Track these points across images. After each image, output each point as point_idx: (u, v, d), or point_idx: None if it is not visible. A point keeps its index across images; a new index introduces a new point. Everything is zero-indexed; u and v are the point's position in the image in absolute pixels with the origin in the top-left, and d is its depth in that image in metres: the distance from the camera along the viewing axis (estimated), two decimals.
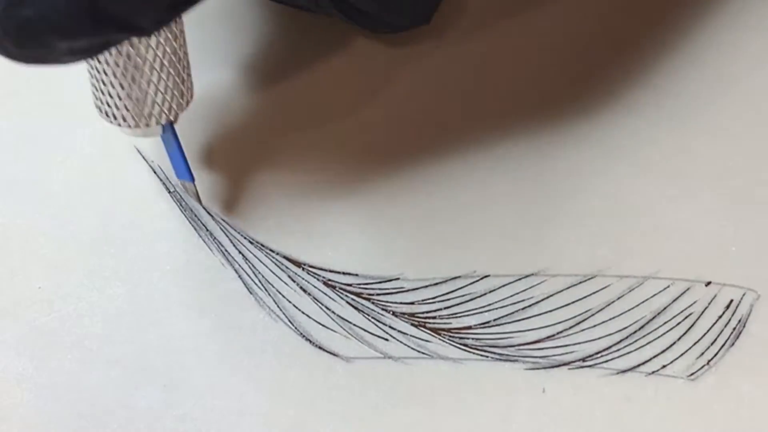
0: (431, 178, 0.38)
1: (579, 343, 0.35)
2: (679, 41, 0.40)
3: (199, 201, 0.38)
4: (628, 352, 0.34)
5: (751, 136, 0.38)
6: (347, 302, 0.36)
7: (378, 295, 0.36)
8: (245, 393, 0.35)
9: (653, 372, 0.34)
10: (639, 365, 0.34)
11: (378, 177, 0.39)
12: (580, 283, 0.36)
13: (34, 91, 0.42)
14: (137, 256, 0.38)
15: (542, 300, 0.35)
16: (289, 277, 0.37)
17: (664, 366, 0.34)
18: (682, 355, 0.34)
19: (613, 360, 0.34)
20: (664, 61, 0.39)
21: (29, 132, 0.41)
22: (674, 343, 0.34)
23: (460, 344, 0.35)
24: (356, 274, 0.37)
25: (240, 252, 0.37)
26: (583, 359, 0.34)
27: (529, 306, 0.35)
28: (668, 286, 0.35)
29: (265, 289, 0.37)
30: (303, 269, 0.37)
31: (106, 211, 0.39)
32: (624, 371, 0.34)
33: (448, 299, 0.36)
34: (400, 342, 0.35)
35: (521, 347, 0.35)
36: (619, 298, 0.35)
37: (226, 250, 0.37)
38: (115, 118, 0.33)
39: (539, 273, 0.36)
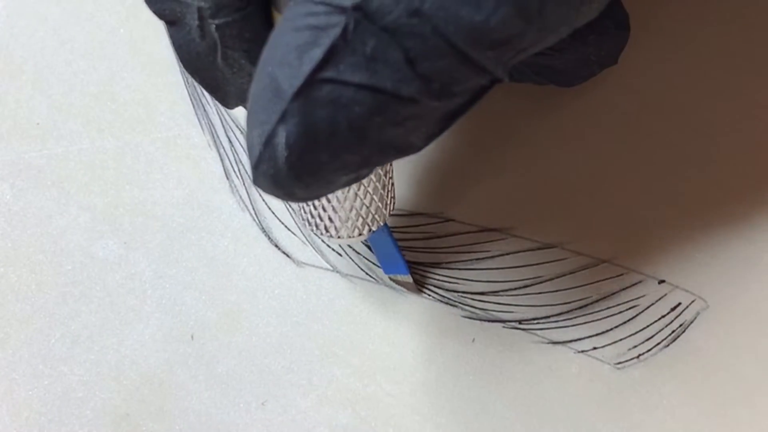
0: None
1: (520, 306, 0.35)
2: (691, 32, 0.39)
3: (418, 292, 0.36)
4: (564, 327, 0.35)
5: (749, 151, 0.37)
6: None
7: None
8: (196, 268, 0.36)
9: (582, 351, 0.34)
10: (571, 341, 0.35)
11: None
12: (538, 249, 0.36)
13: None
14: (135, 118, 0.39)
15: (497, 256, 0.36)
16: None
17: (595, 348, 0.34)
18: (615, 342, 0.35)
19: (548, 330, 0.35)
20: (675, 51, 0.39)
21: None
22: (611, 329, 0.35)
23: None
24: None
25: (228, 138, 0.38)
26: (520, 321, 0.35)
27: (483, 259, 0.36)
28: (622, 275, 0.35)
29: (242, 178, 0.38)
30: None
31: (117, 68, 0.40)
32: (555, 343, 0.35)
33: (408, 232, 0.36)
34: (352, 260, 0.36)
35: (464, 295, 0.35)
36: (570, 273, 0.35)
37: (216, 133, 0.39)
38: (326, 230, 0.31)
39: (501, 229, 0.36)
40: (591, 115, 0.38)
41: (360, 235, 0.31)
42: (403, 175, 0.37)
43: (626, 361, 0.34)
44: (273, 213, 0.37)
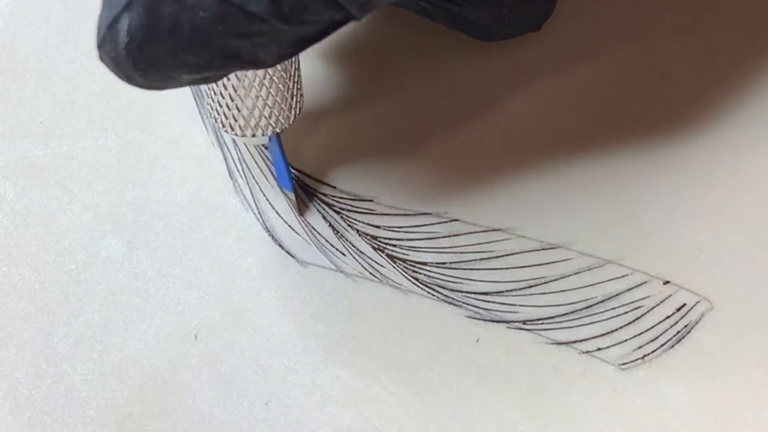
0: (429, 115, 0.38)
1: (524, 306, 0.35)
2: (705, 41, 0.39)
3: (299, 213, 0.37)
4: (569, 327, 0.35)
5: (753, 148, 0.37)
6: (318, 210, 0.37)
7: (348, 211, 0.37)
8: (200, 268, 0.36)
9: (587, 352, 0.34)
10: (575, 342, 0.34)
11: (378, 100, 0.39)
12: (543, 249, 0.36)
13: None
14: (137, 116, 0.39)
15: (501, 256, 0.36)
16: (270, 172, 0.38)
17: (599, 349, 0.34)
18: (620, 343, 0.34)
19: (552, 330, 0.35)
20: (684, 52, 0.39)
21: None
22: (616, 330, 0.35)
23: (412, 277, 0.36)
24: (334, 187, 0.37)
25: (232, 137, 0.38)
26: (524, 322, 0.35)
27: (488, 259, 0.36)
28: (627, 275, 0.35)
29: (245, 178, 0.38)
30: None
31: None
32: (559, 343, 0.34)
33: (413, 232, 0.36)
34: (356, 260, 0.36)
35: (468, 295, 0.35)
36: (575, 274, 0.35)
37: (220, 132, 0.38)
38: (223, 125, 0.34)
39: (505, 230, 0.36)
40: (597, 116, 0.38)
41: (263, 135, 0.34)
42: (408, 175, 0.37)
43: (631, 362, 0.34)
44: (277, 213, 0.37)
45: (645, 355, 0.34)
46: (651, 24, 0.40)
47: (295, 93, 0.34)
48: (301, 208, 0.37)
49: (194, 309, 0.35)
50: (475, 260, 0.36)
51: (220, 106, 0.33)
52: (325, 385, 0.34)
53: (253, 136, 0.34)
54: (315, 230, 0.37)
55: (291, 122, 0.34)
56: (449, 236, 0.36)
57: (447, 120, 0.38)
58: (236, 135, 0.34)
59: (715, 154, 0.37)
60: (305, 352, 0.35)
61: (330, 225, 0.37)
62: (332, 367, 0.35)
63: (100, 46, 0.24)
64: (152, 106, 0.39)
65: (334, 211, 0.37)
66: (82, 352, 0.35)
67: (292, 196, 0.37)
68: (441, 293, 0.35)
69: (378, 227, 0.37)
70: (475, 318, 0.35)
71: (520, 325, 0.35)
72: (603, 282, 0.35)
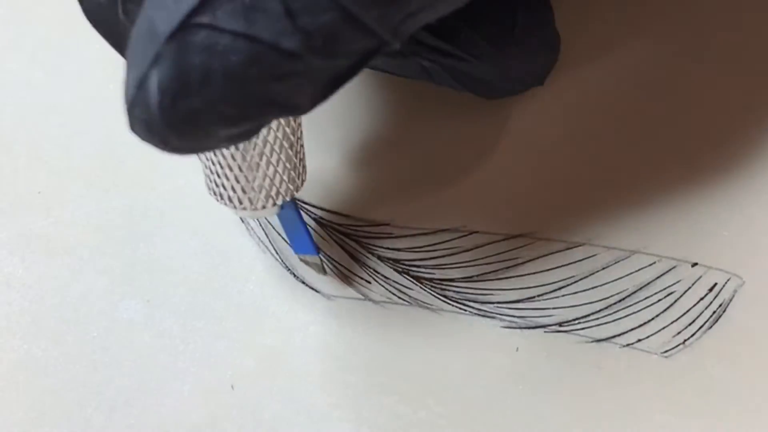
0: (430, 127, 0.38)
1: (558, 308, 0.35)
2: (712, 33, 0.40)
3: (324, 272, 0.36)
4: (606, 323, 0.34)
5: (759, 126, 0.37)
6: (335, 241, 0.37)
7: (366, 238, 0.37)
8: (225, 317, 0.35)
9: (628, 345, 0.34)
10: (615, 336, 0.34)
11: (381, 123, 0.39)
12: (567, 249, 0.36)
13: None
14: (138, 172, 0.39)
15: (527, 261, 0.36)
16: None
17: (639, 340, 0.34)
18: (659, 331, 0.34)
19: (590, 328, 0.34)
20: (686, 42, 0.39)
21: (43, 37, 0.42)
22: (653, 319, 0.34)
23: (441, 295, 0.35)
24: (348, 215, 0.37)
25: None
26: (560, 324, 0.35)
27: (514, 266, 0.36)
28: (654, 263, 0.35)
29: (257, 219, 0.37)
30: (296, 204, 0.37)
31: (111, 125, 0.39)
32: (599, 340, 0.34)
33: (435, 250, 0.36)
34: (382, 286, 0.36)
35: (500, 305, 0.35)
36: (603, 269, 0.35)
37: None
38: (230, 200, 0.31)
39: (527, 235, 0.36)
40: (598, 111, 0.38)
41: (264, 208, 0.31)
42: (420, 192, 0.37)
43: (673, 348, 0.34)
44: None
45: (685, 340, 0.34)
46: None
47: (300, 160, 0.31)
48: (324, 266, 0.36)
49: (226, 359, 0.35)
50: (502, 269, 0.36)
51: (226, 179, 0.30)
52: (371, 416, 0.34)
53: (264, 208, 0.31)
54: (336, 261, 0.36)
55: (297, 191, 0.31)
56: (472, 249, 0.36)
57: (452, 130, 0.38)
58: (244, 209, 0.31)
59: (723, 132, 0.37)
60: (345, 385, 0.34)
61: (350, 254, 0.36)
62: (375, 397, 0.34)
63: (130, 110, 0.22)
64: (151, 159, 0.39)
65: (352, 239, 0.36)
66: (119, 419, 0.34)
67: (317, 258, 0.35)
68: (473, 307, 0.35)
69: (399, 250, 0.36)
70: (511, 327, 0.35)
71: (557, 327, 0.34)
72: (632, 273, 0.35)
